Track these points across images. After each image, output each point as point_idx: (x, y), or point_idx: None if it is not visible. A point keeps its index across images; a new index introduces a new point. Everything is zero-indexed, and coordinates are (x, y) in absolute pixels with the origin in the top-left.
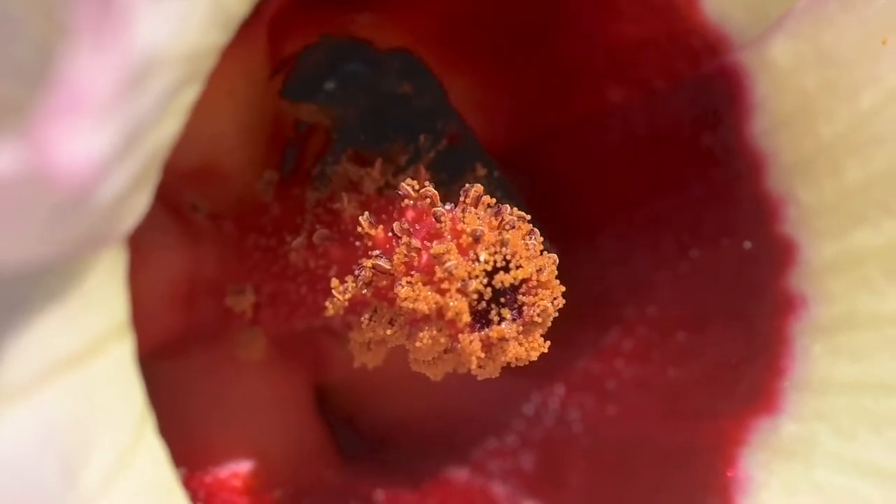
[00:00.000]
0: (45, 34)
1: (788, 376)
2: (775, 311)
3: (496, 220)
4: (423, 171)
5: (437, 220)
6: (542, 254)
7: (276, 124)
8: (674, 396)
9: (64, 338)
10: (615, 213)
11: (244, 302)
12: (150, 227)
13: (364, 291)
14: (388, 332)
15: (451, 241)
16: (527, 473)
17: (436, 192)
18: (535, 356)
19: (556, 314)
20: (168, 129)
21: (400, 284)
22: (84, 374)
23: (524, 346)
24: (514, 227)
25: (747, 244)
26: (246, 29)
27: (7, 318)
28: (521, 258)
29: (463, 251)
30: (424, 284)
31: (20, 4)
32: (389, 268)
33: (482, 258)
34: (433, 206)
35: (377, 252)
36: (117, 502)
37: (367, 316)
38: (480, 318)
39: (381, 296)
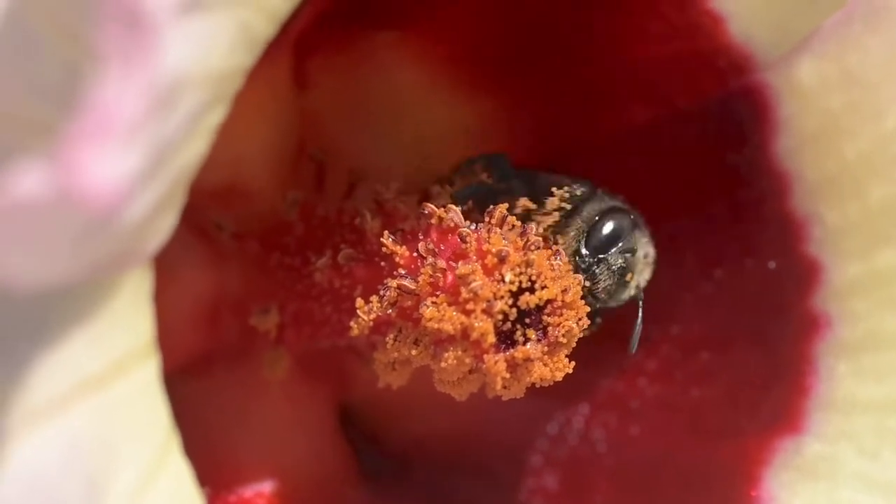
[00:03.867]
0: (71, 55)
1: (812, 396)
2: (800, 331)
3: (521, 240)
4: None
5: (463, 240)
6: (567, 274)
7: (301, 144)
8: (697, 416)
9: (90, 358)
10: None
11: (268, 321)
12: (175, 247)
13: (389, 311)
14: (413, 352)
15: (477, 261)
16: (551, 493)
17: (460, 213)
18: (559, 376)
19: (581, 334)
20: (194, 150)
21: (425, 305)
22: (109, 393)
23: (549, 366)
24: (539, 248)
25: (771, 264)
26: (271, 49)
27: (34, 338)
28: (546, 279)
29: (488, 272)
30: (449, 305)
31: (46, 26)
32: (414, 288)
33: (507, 279)
34: (458, 227)
35: (402, 272)
36: None
37: (391, 336)
38: (505, 339)
39: (406, 316)
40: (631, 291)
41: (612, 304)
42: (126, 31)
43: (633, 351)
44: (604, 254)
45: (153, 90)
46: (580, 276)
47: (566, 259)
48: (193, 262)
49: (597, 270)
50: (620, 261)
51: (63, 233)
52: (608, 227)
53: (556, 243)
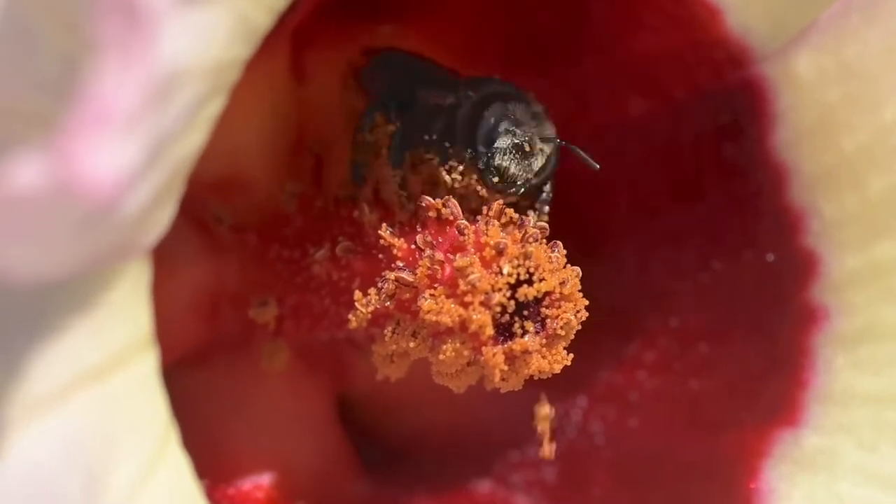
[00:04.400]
0: (68, 47)
1: (811, 388)
2: (798, 323)
3: (519, 232)
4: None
5: (461, 232)
6: (565, 266)
7: (300, 136)
8: (696, 408)
9: (88, 350)
10: (637, 224)
11: (267, 314)
12: (173, 239)
13: (387, 304)
14: (411, 344)
15: (475, 253)
16: (549, 486)
17: (458, 205)
18: (558, 369)
19: (579, 327)
20: (192, 141)
21: (423, 297)
22: (108, 386)
23: (547, 358)
24: (537, 240)
25: (769, 256)
26: (269, 41)
27: (32, 331)
28: (544, 271)
29: (486, 264)
30: (448, 297)
31: (42, 18)
32: (412, 280)
33: (505, 271)
34: (456, 219)
35: (400, 265)
36: None
37: (390, 328)
38: (504, 331)
39: (404, 308)
40: (546, 153)
41: (536, 179)
42: (124, 22)
43: (597, 167)
44: (493, 143)
45: (151, 81)
46: (500, 187)
47: (473, 176)
48: (192, 254)
49: (497, 162)
50: (513, 139)
51: (61, 224)
52: (487, 121)
53: (456, 164)
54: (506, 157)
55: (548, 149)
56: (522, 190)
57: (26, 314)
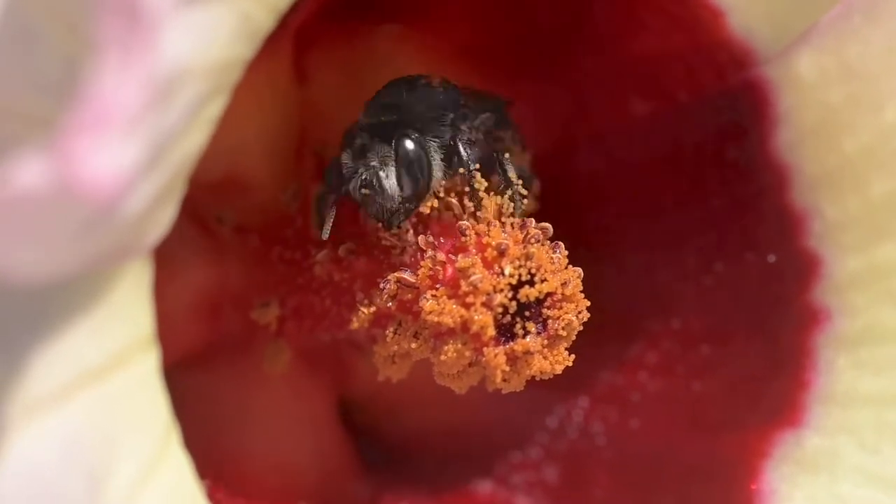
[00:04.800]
0: (68, 48)
1: (812, 389)
2: (799, 325)
3: (521, 233)
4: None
5: (462, 233)
6: (566, 267)
7: (302, 137)
8: (698, 409)
9: (90, 350)
10: (639, 225)
11: (269, 315)
12: (175, 240)
13: (389, 305)
14: (413, 345)
15: (476, 254)
16: (551, 486)
17: (460, 206)
18: (559, 370)
19: (581, 328)
20: (194, 141)
21: (425, 298)
22: (109, 385)
23: (549, 359)
24: (538, 241)
25: (771, 257)
26: (271, 41)
27: (33, 331)
28: (545, 272)
29: (488, 265)
30: (449, 298)
31: (42, 19)
32: (414, 281)
33: (507, 272)
34: (458, 220)
35: (402, 265)
36: None
37: (391, 329)
38: (505, 332)
39: (405, 309)
40: (396, 165)
41: (438, 175)
42: (126, 22)
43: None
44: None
45: (153, 81)
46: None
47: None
48: (194, 255)
49: (387, 201)
50: (363, 178)
51: (63, 225)
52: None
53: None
54: (381, 193)
55: (395, 157)
56: (429, 191)
57: (27, 314)
